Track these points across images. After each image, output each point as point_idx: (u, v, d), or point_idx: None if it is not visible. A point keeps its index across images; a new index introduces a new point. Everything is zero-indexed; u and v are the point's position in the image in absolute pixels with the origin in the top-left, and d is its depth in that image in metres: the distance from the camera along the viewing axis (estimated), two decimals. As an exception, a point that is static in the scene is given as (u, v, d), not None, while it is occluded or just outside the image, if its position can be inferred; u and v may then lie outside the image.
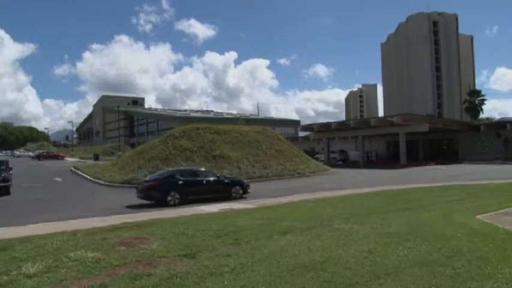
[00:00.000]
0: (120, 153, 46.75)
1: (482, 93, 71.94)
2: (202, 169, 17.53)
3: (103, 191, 19.69)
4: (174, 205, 13.89)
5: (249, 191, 16.14)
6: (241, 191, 15.90)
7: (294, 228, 7.69)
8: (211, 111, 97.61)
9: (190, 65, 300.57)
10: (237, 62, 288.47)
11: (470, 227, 7.23)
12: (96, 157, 50.41)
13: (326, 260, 5.36)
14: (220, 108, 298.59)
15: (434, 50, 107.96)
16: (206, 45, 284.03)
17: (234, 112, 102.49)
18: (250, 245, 6.42)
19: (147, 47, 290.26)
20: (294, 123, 78.71)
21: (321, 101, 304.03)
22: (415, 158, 42.83)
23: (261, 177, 23.67)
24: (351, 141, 53.14)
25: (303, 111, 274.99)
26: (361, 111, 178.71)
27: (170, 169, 17.54)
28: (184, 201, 14.28)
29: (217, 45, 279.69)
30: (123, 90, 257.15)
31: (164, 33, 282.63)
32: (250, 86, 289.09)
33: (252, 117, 79.06)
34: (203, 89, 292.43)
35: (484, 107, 72.41)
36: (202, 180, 15.58)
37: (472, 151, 40.52)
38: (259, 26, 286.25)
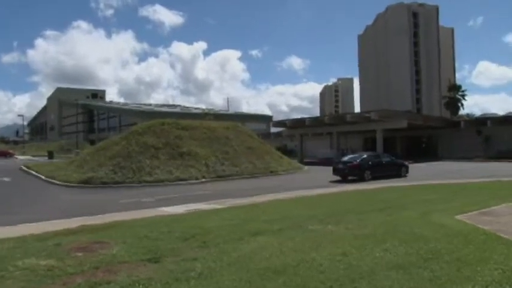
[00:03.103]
0: (77, 150, 45.46)
1: (463, 88, 74.64)
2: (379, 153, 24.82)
3: (58, 191, 19.06)
4: (368, 180, 20.45)
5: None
6: (406, 171, 23.00)
7: (265, 229, 7.68)
8: (178, 105, 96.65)
9: (156, 56, 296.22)
10: (206, 53, 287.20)
11: (450, 227, 7.41)
12: (50, 155, 48.73)
13: (299, 264, 5.38)
14: (188, 102, 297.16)
15: (413, 43, 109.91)
16: (173, 34, 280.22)
17: (203, 107, 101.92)
18: (219, 248, 6.38)
19: (108, 35, 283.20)
20: (266, 119, 79.02)
21: (295, 95, 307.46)
22: (393, 156, 44.03)
23: (231, 176, 23.68)
24: (326, 138, 53.91)
25: (276, 106, 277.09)
26: (337, 106, 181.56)
27: (359, 154, 24.97)
28: (374, 178, 20.94)
29: (185, 34, 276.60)
30: (82, 82, 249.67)
31: (127, 20, 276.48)
32: (220, 78, 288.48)
33: (221, 112, 78.74)
34: (170, 81, 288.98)
35: (464, 102, 75.10)
36: (382, 161, 22.88)
37: (452, 148, 41.95)
38: (230, 14, 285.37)
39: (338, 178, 21.95)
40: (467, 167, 28.76)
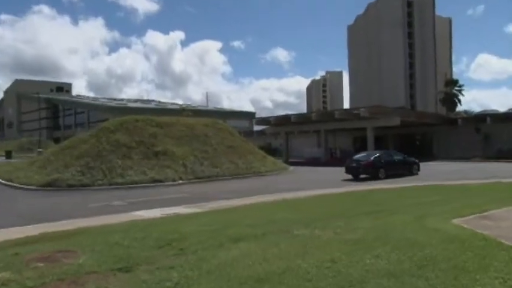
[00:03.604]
0: (40, 149, 44.64)
1: (461, 82, 75.95)
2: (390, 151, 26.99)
3: (16, 195, 18.68)
4: (382, 179, 22.08)
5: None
6: (417, 169, 25.02)
7: (247, 235, 7.68)
8: (153, 100, 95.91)
9: (129, 46, 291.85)
10: (184, 43, 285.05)
11: (446, 232, 7.46)
12: (8, 154, 47.68)
13: (284, 271, 5.38)
14: (164, 97, 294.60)
15: (407, 34, 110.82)
16: (147, 22, 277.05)
17: (180, 102, 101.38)
18: (197, 255, 6.35)
19: (75, 22, 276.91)
20: (249, 116, 79.10)
21: (280, 90, 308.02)
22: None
23: (211, 177, 23.68)
24: (313, 136, 54.25)
25: (259, 102, 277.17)
26: (325, 102, 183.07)
27: (371, 152, 27.16)
28: (387, 176, 22.58)
29: (161, 22, 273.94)
30: (45, 73, 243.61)
31: (96, 5, 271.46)
32: (199, 72, 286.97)
33: (200, 108, 78.48)
34: (144, 74, 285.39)
35: (462, 98, 76.20)
36: (395, 160, 24.63)
37: (448, 147, 42.55)
38: (210, 1, 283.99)
39: (337, 178, 22.27)
40: (465, 167, 29.30)
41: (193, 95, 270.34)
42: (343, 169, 24.35)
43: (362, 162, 23.45)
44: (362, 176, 23.21)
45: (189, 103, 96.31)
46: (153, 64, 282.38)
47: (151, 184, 21.10)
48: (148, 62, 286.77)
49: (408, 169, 24.74)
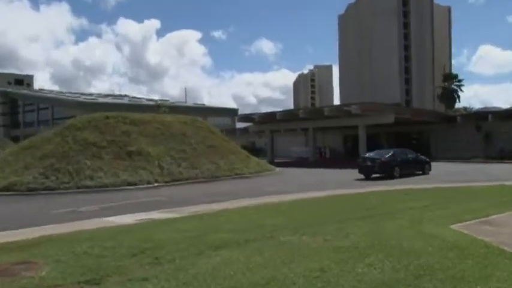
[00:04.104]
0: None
1: (460, 77, 76.55)
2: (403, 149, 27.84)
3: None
4: (397, 177, 23.47)
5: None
6: (428, 169, 26.28)
7: (229, 241, 7.67)
8: (126, 95, 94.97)
9: (98, 35, 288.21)
10: (160, 33, 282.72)
11: (444, 239, 7.51)
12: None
13: (269, 282, 5.37)
14: (138, 92, 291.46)
15: (403, 24, 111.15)
16: (119, 9, 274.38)
17: (156, 97, 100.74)
18: (174, 264, 6.31)
19: (35, 6, 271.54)
20: (231, 113, 78.96)
21: (265, 85, 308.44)
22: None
23: (189, 179, 23.67)
24: (300, 134, 54.50)
25: (243, 98, 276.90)
26: (313, 98, 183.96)
27: (382, 150, 28.42)
28: (401, 175, 24.04)
29: (134, 9, 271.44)
30: (1, 64, 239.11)
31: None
32: (177, 64, 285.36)
33: (178, 104, 78.02)
34: (115, 66, 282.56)
35: (462, 94, 77.03)
36: (409, 158, 25.88)
37: (447, 147, 42.83)
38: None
39: (329, 180, 22.49)
40: (464, 168, 29.75)
41: (170, 90, 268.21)
42: (333, 170, 24.57)
43: (378, 161, 24.57)
44: (374, 175, 24.52)
45: (165, 99, 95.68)
46: (126, 55, 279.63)
47: (124, 187, 20.96)
48: (120, 53, 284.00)
49: (421, 168, 26.27)
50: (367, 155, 26.64)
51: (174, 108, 52.17)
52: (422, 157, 27.32)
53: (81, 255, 7.07)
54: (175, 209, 13.72)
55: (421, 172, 25.99)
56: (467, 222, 9.10)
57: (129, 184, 21.37)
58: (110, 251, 7.27)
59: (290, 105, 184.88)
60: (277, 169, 31.29)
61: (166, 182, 22.65)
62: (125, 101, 79.46)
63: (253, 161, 30.52)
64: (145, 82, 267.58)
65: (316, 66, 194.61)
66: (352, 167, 33.62)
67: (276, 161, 43.10)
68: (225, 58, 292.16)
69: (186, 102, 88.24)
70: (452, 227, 8.65)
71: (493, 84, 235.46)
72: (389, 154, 25.47)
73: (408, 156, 26.34)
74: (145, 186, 21.55)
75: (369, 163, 24.87)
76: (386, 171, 24.32)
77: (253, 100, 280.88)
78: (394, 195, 15.13)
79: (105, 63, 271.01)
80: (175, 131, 27.83)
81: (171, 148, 25.92)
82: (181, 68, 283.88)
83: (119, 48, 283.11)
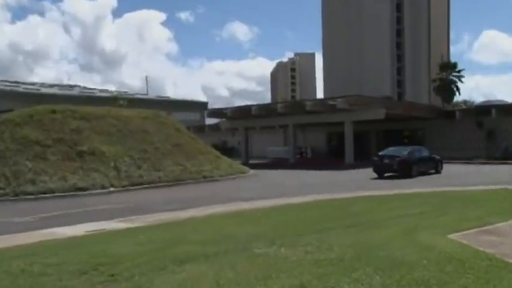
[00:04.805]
0: None
1: (460, 66, 77.06)
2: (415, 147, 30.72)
3: None
4: (414, 176, 25.95)
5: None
6: (441, 167, 29.26)
7: (196, 254, 7.63)
8: (77, 86, 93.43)
9: (41, 13, 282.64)
10: (117, 13, 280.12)
11: (441, 250, 7.55)
12: None
13: (242, 300, 5.35)
14: (91, 82, 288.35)
15: (395, 6, 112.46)
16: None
17: (112, 88, 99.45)
18: (133, 282, 6.23)
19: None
20: (200, 107, 78.66)
21: (239, 75, 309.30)
22: (367, 156, 45.01)
23: (151, 183, 23.60)
24: (278, 132, 54.69)
25: (213, 90, 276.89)
26: (293, 90, 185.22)
27: (397, 148, 30.18)
28: (419, 174, 26.62)
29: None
30: None
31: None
32: (137, 50, 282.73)
33: (138, 96, 77.35)
34: (63, 51, 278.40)
35: (461, 85, 77.92)
36: (424, 157, 28.67)
37: (444, 146, 42.91)
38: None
39: (312, 182, 22.23)
40: (464, 170, 30.40)
41: (129, 80, 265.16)
42: (316, 172, 24.69)
43: (397, 159, 26.72)
44: (387, 174, 26.92)
45: (123, 90, 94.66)
46: (76, 39, 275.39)
47: (73, 193, 20.69)
48: (69, 36, 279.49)
49: (434, 166, 28.98)
50: (384, 152, 28.61)
51: (134, 101, 51.60)
52: (435, 156, 29.95)
53: (17, 275, 6.88)
54: (134, 217, 13.65)
55: (433, 171, 28.64)
56: (467, 231, 9.18)
57: (80, 189, 21.10)
58: (54, 269, 7.10)
59: (267, 98, 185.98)
60: (252, 171, 31.34)
61: (124, 186, 22.49)
62: (75, 92, 78.20)
63: (225, 162, 30.54)
64: (100, 70, 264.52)
65: (297, 54, 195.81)
66: (338, 168, 34.14)
67: (251, 162, 43.13)
68: (193, 44, 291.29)
69: (147, 94, 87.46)
70: (451, 236, 8.73)
71: (497, 75, 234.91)
72: (408, 152, 27.92)
73: (423, 154, 29.10)
74: (98, 191, 21.33)
75: (386, 161, 27.04)
76: (405, 169, 26.44)
77: (225, 92, 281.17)
78: (386, 200, 15.30)
79: (50, 48, 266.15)
80: (134, 128, 27.67)
81: (130, 147, 25.75)
82: (142, 54, 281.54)
83: (66, 29, 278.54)
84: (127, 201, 18.38)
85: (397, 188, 19.53)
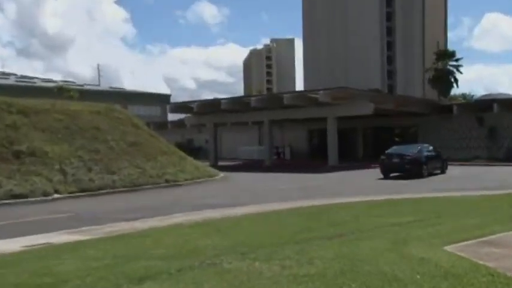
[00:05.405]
0: None
1: (459, 55, 77.14)
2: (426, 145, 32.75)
3: None
4: (425, 176, 27.78)
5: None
6: (446, 167, 31.38)
7: (158, 271, 7.58)
8: (13, 74, 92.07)
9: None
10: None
11: (436, 263, 7.56)
12: None
13: (210, 323, 5.35)
14: (31, 69, 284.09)
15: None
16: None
17: (57, 78, 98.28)
18: (80, 305, 6.17)
19: None
20: (161, 100, 78.45)
21: (207, 63, 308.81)
22: (353, 156, 45.60)
23: (104, 188, 23.46)
24: (252, 129, 54.77)
25: (177, 80, 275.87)
26: (269, 82, 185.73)
27: (406, 146, 32.80)
28: (429, 174, 28.64)
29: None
30: None
31: None
32: (86, 33, 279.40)
33: (89, 87, 76.74)
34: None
35: (460, 76, 77.94)
36: (432, 156, 30.46)
37: (440, 145, 43.32)
38: None
39: (290, 187, 22.29)
40: (463, 172, 31.01)
41: (78, 68, 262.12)
42: (296, 175, 24.75)
43: (408, 157, 28.30)
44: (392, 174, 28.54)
45: (70, 80, 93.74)
46: (11, 18, 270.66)
47: (9, 201, 20.30)
48: (2, 14, 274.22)
49: (440, 167, 30.89)
50: (392, 151, 30.23)
51: (83, 93, 51.21)
52: (442, 154, 32.28)
53: None
54: (84, 228, 13.52)
55: (439, 171, 30.54)
56: (466, 242, 9.26)
57: (17, 196, 20.71)
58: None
59: (240, 90, 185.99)
60: (222, 174, 31.36)
61: (71, 192, 22.21)
62: (11, 81, 77.23)
63: (191, 164, 30.56)
64: (41, 56, 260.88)
65: (273, 40, 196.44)
66: (320, 171, 34.36)
67: (220, 164, 43.21)
68: (153, 27, 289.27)
69: (99, 85, 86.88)
70: (447, 248, 8.78)
71: (500, 64, 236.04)
72: (418, 149, 29.90)
73: (432, 152, 31.02)
74: (40, 198, 21.02)
75: (396, 160, 28.54)
76: (416, 169, 27.99)
77: (190, 84, 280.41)
78: (374, 207, 15.45)
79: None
80: (84, 124, 27.43)
81: (79, 147, 25.51)
82: (93, 38, 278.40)
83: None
84: (75, 209, 18.16)
85: (387, 193, 19.77)
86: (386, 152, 29.82)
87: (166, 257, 8.68)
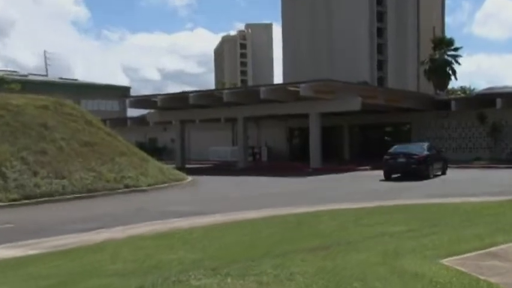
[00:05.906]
0: None
1: (458, 43, 77.67)
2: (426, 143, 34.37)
3: None
4: (431, 177, 29.28)
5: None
6: (446, 168, 32.60)
7: (113, 291, 7.52)
8: None
9: None
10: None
11: (431, 279, 7.58)
12: None
13: None
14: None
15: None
16: None
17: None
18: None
19: None
20: (120, 93, 78.10)
21: (172, 51, 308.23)
22: (338, 157, 45.70)
23: (52, 195, 23.27)
24: (225, 127, 54.75)
25: (138, 71, 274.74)
26: (244, 73, 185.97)
27: (410, 144, 34.95)
28: (433, 174, 30.16)
29: None
30: None
31: None
32: (30, 15, 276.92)
33: (34, 78, 76.01)
34: None
35: (458, 68, 78.53)
36: (436, 155, 31.95)
37: (436, 145, 44.11)
38: None
39: (268, 192, 22.37)
40: (463, 176, 31.35)
41: (21, 56, 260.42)
42: (274, 179, 24.75)
43: (415, 157, 29.39)
44: (394, 175, 29.76)
45: (12, 70, 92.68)
46: None
47: None
48: None
49: (441, 167, 32.16)
50: (395, 150, 31.24)
51: (28, 85, 50.86)
52: (444, 155, 33.32)
53: None
54: (29, 241, 13.41)
55: (440, 173, 31.84)
56: (465, 255, 9.29)
57: None
58: None
59: (210, 82, 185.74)
60: (190, 178, 31.36)
61: (13, 200, 22.00)
62: None
63: (154, 166, 30.52)
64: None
65: (248, 26, 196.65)
66: (301, 175, 34.49)
67: (189, 166, 43.22)
68: (109, 10, 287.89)
69: (47, 75, 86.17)
70: (444, 261, 8.81)
71: (504, 53, 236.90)
72: (425, 148, 31.21)
73: (437, 152, 33.32)
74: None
75: (402, 160, 29.51)
76: (424, 170, 29.13)
77: (154, 74, 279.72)
78: (362, 215, 15.52)
79: None
80: (28, 121, 27.16)
81: (22, 147, 25.23)
82: (39, 21, 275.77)
83: None
84: (17, 220, 17.93)
85: (377, 200, 19.93)
86: (389, 151, 30.69)
87: (125, 274, 8.64)
